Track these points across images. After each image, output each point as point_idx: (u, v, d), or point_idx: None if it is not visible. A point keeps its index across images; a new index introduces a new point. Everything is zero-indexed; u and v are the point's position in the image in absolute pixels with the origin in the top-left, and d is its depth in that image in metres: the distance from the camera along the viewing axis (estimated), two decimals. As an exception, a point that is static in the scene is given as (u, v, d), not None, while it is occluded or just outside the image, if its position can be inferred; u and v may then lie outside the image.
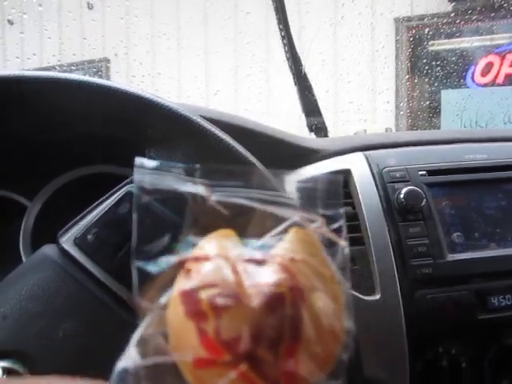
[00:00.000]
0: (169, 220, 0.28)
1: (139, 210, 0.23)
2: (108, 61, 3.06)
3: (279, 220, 0.24)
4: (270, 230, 0.24)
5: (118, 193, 0.39)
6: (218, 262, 0.22)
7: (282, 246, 0.23)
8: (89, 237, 0.38)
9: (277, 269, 0.21)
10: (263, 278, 0.21)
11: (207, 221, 0.23)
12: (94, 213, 0.39)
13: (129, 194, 0.39)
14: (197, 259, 0.22)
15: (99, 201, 0.40)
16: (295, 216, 0.24)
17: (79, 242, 0.38)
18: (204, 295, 0.20)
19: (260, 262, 0.22)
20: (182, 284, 0.21)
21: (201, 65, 2.80)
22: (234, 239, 0.24)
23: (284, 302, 0.20)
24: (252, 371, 0.19)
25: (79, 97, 0.40)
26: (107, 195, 0.40)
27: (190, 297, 0.21)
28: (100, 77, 3.00)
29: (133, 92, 0.38)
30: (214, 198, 0.24)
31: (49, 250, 0.39)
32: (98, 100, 0.39)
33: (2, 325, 0.36)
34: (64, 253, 0.38)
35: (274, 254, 0.23)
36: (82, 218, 0.39)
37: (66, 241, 0.39)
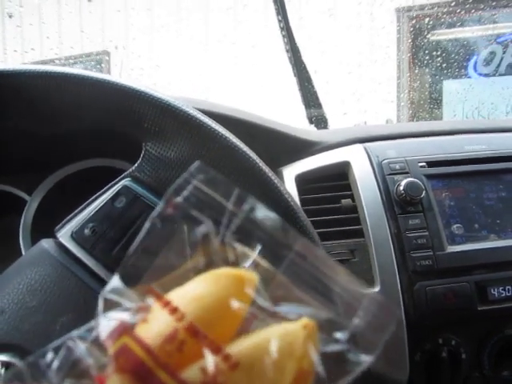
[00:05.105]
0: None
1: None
2: (108, 54, 3.05)
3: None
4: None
5: (115, 187, 0.39)
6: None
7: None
8: (86, 231, 0.38)
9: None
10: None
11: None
12: (91, 207, 0.39)
13: (125, 188, 0.39)
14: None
15: (96, 195, 0.40)
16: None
17: (76, 237, 0.38)
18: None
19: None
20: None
21: (200, 57, 2.79)
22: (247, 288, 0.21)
23: None
24: None
25: (76, 91, 0.40)
26: (104, 189, 0.40)
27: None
28: (101, 70, 2.99)
29: (127, 85, 0.38)
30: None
31: (46, 244, 0.39)
32: (94, 94, 0.39)
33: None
34: (61, 247, 0.38)
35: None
36: (78, 213, 0.40)
37: (63, 235, 0.39)
